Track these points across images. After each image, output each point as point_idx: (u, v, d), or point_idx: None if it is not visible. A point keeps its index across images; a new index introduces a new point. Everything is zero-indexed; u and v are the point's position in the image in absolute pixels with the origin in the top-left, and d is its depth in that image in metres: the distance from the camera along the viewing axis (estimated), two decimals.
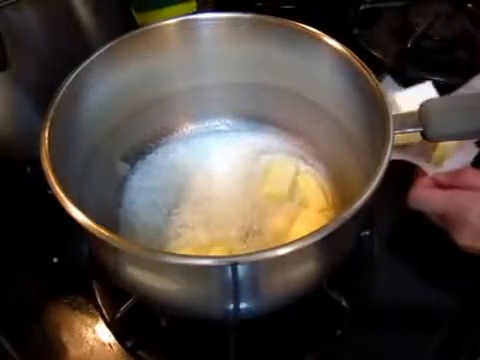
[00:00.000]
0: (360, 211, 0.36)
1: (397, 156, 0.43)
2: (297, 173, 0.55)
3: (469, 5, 0.73)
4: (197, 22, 0.52)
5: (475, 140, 0.58)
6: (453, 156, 0.57)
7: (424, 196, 0.47)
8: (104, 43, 0.48)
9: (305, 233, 0.35)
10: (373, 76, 0.44)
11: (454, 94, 0.53)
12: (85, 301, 0.51)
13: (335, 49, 0.47)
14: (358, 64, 0.45)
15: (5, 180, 0.59)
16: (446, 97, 0.45)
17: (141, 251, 0.35)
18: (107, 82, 0.49)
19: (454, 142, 0.53)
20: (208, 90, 0.57)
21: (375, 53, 0.71)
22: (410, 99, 0.50)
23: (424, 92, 0.52)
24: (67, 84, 0.44)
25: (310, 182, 0.55)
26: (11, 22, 0.47)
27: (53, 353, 0.48)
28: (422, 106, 0.43)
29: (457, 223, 0.46)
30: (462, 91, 0.55)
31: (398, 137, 0.41)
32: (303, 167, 0.56)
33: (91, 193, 0.47)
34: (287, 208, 0.52)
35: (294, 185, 0.54)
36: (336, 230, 0.35)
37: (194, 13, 0.60)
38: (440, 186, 0.48)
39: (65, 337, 0.49)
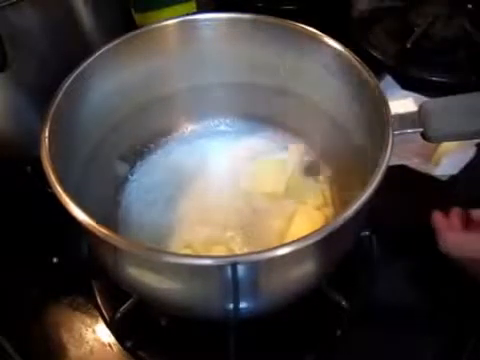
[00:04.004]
0: (360, 211, 0.36)
1: (395, 161, 0.43)
2: (295, 172, 0.55)
3: (469, 6, 0.73)
4: (197, 22, 0.52)
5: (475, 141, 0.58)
6: (451, 155, 0.58)
7: (459, 240, 0.46)
8: (104, 43, 0.48)
9: (304, 232, 0.35)
10: (373, 76, 0.44)
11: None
12: (85, 301, 0.51)
13: (335, 49, 0.47)
14: (358, 64, 0.45)
15: (5, 180, 0.59)
16: (446, 97, 0.45)
17: (141, 251, 0.35)
18: (107, 82, 0.49)
19: (452, 142, 0.53)
20: (208, 90, 0.57)
21: (375, 53, 0.71)
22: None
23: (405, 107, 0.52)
24: (67, 84, 0.44)
25: (308, 181, 0.55)
26: (11, 22, 0.48)
27: (53, 353, 0.48)
28: (422, 106, 0.43)
29: None
30: None
31: None
32: (302, 167, 0.56)
33: (91, 192, 0.47)
34: (285, 206, 0.53)
35: (292, 184, 0.54)
36: (336, 230, 0.35)
37: (194, 14, 0.60)
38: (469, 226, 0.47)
39: (65, 337, 0.49)
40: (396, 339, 0.48)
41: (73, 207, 0.36)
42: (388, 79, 0.66)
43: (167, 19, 0.51)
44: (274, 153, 0.57)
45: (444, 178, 0.59)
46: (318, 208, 0.52)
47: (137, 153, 0.57)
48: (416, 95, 0.63)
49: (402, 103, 0.59)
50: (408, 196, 0.56)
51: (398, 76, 0.66)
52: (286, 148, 0.58)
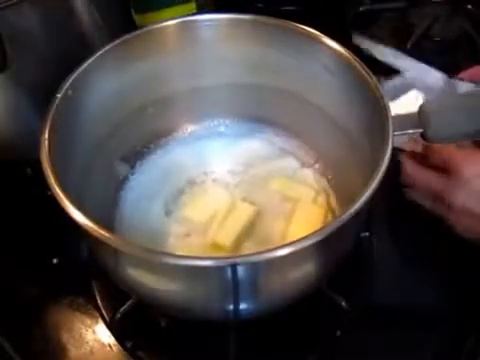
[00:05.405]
0: (360, 212, 0.36)
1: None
2: (294, 173, 0.56)
3: (468, 6, 0.73)
4: (197, 23, 0.52)
5: None
6: None
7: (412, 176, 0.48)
8: (104, 44, 0.48)
9: (304, 230, 0.35)
10: (373, 77, 0.44)
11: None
12: (85, 302, 0.51)
13: (335, 50, 0.47)
14: (358, 65, 0.45)
15: (5, 180, 0.59)
16: (446, 98, 0.45)
17: (141, 252, 0.35)
18: (107, 83, 0.49)
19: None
20: (208, 91, 0.57)
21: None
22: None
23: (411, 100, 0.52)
24: (67, 85, 0.44)
25: (306, 180, 0.55)
26: (11, 23, 0.48)
27: (53, 354, 0.48)
28: (422, 107, 0.43)
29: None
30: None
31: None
32: (301, 167, 0.57)
33: (90, 193, 0.47)
34: (284, 205, 0.53)
35: (292, 184, 0.55)
36: (336, 231, 0.35)
37: (194, 14, 0.60)
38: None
39: (65, 338, 0.49)
40: (396, 339, 0.48)
41: (72, 210, 0.36)
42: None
43: (167, 20, 0.51)
44: (274, 154, 0.58)
45: None
46: (314, 201, 0.53)
47: (137, 153, 0.57)
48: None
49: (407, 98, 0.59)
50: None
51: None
52: (285, 149, 0.58)
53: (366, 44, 0.68)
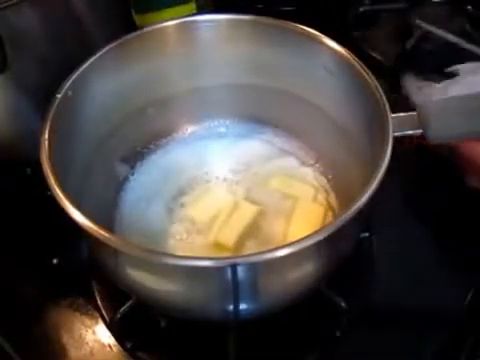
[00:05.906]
0: (359, 212, 0.36)
1: None
2: (294, 172, 0.56)
3: (468, 6, 0.73)
4: (197, 24, 0.52)
5: None
6: None
7: None
8: (104, 45, 0.48)
9: (304, 230, 0.35)
10: (373, 77, 0.44)
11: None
12: (85, 302, 0.51)
13: (335, 51, 0.47)
14: (358, 66, 0.45)
15: (5, 181, 0.59)
16: (445, 98, 0.45)
17: (141, 252, 0.35)
18: (107, 83, 0.49)
19: None
20: (208, 92, 0.57)
21: (374, 54, 0.71)
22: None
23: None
24: (67, 85, 0.45)
25: (306, 178, 0.55)
26: (11, 23, 0.48)
27: (53, 354, 0.48)
28: (421, 107, 0.43)
29: None
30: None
31: None
32: (301, 167, 0.57)
33: (90, 194, 0.47)
34: (285, 205, 0.53)
35: (292, 182, 0.55)
36: (336, 231, 0.35)
37: (194, 15, 0.60)
38: None
39: (65, 338, 0.49)
40: (395, 340, 0.48)
41: (72, 210, 0.36)
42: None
43: (167, 20, 0.51)
44: (274, 154, 0.58)
45: None
46: (314, 200, 0.53)
47: (137, 154, 0.57)
48: None
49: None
50: (408, 197, 0.56)
51: (397, 77, 0.66)
52: (285, 150, 0.58)
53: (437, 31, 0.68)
